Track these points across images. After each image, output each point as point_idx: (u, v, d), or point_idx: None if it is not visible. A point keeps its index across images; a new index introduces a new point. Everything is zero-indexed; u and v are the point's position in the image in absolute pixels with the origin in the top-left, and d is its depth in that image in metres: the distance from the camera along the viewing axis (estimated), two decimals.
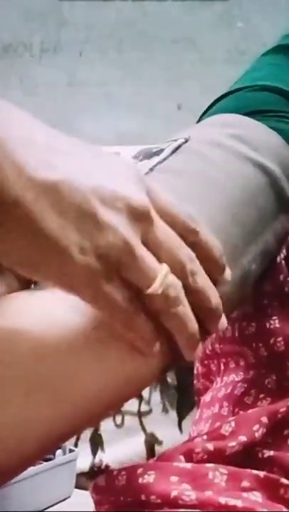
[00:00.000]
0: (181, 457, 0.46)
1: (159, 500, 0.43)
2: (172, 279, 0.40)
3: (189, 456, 0.45)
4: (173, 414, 0.97)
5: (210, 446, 0.46)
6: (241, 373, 0.55)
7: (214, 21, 1.41)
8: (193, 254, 0.41)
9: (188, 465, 0.45)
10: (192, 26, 1.41)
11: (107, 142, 1.33)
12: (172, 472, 0.44)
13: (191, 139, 0.48)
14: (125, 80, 1.42)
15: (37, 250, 0.37)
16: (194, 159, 0.47)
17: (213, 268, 0.42)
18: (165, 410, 0.97)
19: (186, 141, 0.48)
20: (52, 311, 0.41)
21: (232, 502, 0.42)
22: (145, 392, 0.96)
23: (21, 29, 1.41)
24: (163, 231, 0.40)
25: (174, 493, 0.43)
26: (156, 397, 0.96)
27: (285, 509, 0.44)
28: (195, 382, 0.64)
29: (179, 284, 0.40)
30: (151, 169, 0.47)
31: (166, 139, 1.45)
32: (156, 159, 0.48)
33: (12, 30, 1.41)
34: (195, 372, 0.63)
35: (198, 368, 0.62)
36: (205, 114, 0.55)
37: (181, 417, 0.96)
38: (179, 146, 0.48)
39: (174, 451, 0.46)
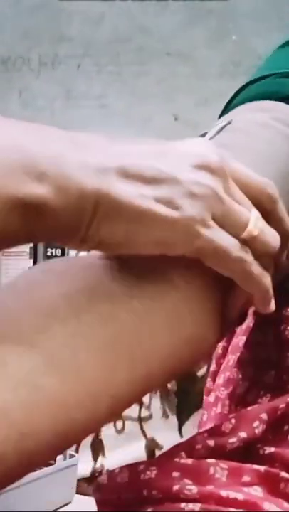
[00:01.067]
0: (182, 453, 0.46)
1: (160, 495, 0.44)
2: (263, 222, 0.40)
3: (190, 453, 0.46)
4: (173, 419, 0.97)
5: (210, 442, 0.46)
6: (242, 371, 0.55)
7: (208, 35, 1.43)
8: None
9: (189, 461, 0.45)
10: (187, 40, 1.43)
11: None
12: (173, 468, 0.44)
13: (234, 121, 0.49)
14: (122, 92, 1.43)
15: (131, 226, 0.37)
16: (241, 136, 0.48)
17: (282, 243, 0.42)
18: (165, 415, 0.98)
19: (230, 123, 0.48)
20: (124, 276, 0.40)
21: (233, 495, 0.43)
22: (145, 398, 0.96)
23: (20, 44, 1.43)
24: (238, 190, 0.40)
25: (175, 488, 0.43)
26: (157, 402, 0.97)
27: (285, 503, 0.45)
28: (208, 381, 0.64)
29: (270, 228, 0.40)
30: None
31: None
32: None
33: (11, 45, 1.43)
34: (210, 370, 0.63)
35: (213, 366, 0.62)
36: (230, 103, 0.55)
37: (181, 422, 0.97)
38: (224, 127, 0.48)
39: (175, 448, 0.47)
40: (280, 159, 0.48)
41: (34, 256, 1.16)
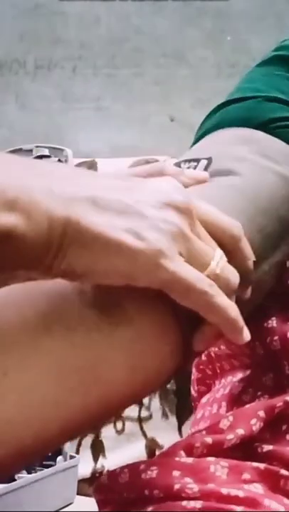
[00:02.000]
0: (182, 452, 0.46)
1: (162, 495, 0.44)
2: (226, 262, 0.41)
3: (189, 451, 0.46)
4: (173, 420, 0.98)
5: (209, 440, 0.47)
6: (238, 373, 0.55)
7: (204, 36, 1.43)
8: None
9: (190, 459, 0.46)
10: (182, 41, 1.43)
11: (102, 155, 1.35)
12: (174, 467, 0.45)
13: (214, 158, 0.49)
14: (118, 94, 1.44)
15: (98, 255, 0.38)
16: (223, 177, 0.48)
17: (241, 280, 0.43)
18: (165, 416, 0.98)
19: (210, 161, 0.49)
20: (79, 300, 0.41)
21: (234, 492, 0.43)
22: (145, 398, 0.97)
23: (15, 47, 1.43)
24: (203, 229, 0.41)
25: (176, 487, 0.44)
26: (156, 402, 0.97)
27: (285, 499, 0.45)
28: (192, 389, 0.64)
29: (231, 267, 0.41)
30: None
31: (160, 150, 1.45)
32: None
33: (6, 48, 1.43)
34: (192, 378, 0.64)
35: (194, 373, 0.63)
36: (208, 120, 0.55)
37: (181, 422, 0.97)
38: (207, 167, 0.48)
39: (175, 447, 0.47)
40: (259, 196, 0.48)
41: None
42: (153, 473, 0.44)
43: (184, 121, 1.39)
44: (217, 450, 0.46)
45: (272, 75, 0.55)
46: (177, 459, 0.46)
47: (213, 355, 0.58)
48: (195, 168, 0.49)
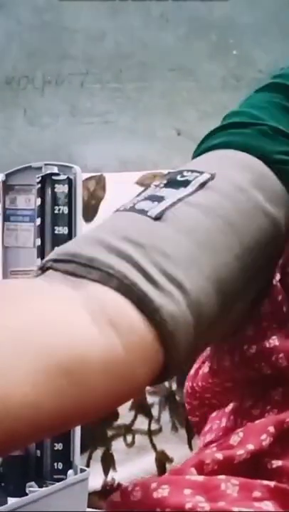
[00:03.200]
0: (193, 470, 0.47)
1: None
2: None
3: (200, 468, 0.47)
4: (182, 432, 0.98)
5: (219, 456, 0.47)
6: (246, 392, 0.56)
7: (209, 50, 1.44)
8: None
9: (201, 477, 0.46)
10: (188, 55, 1.44)
11: (109, 168, 1.37)
12: (185, 485, 0.45)
13: (216, 177, 0.50)
14: (125, 108, 1.45)
15: None
16: (222, 201, 0.49)
17: None
18: (175, 428, 0.98)
19: (212, 177, 0.49)
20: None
21: (245, 510, 0.43)
22: (155, 411, 0.97)
23: (24, 63, 1.45)
24: None
25: (188, 505, 0.44)
26: (166, 415, 0.98)
27: None
28: (189, 417, 0.65)
29: None
30: (180, 199, 0.48)
31: (167, 163, 1.47)
32: (183, 191, 0.49)
33: (14, 64, 1.44)
34: (187, 407, 0.64)
35: (190, 403, 0.63)
36: (210, 137, 0.56)
37: (190, 435, 0.97)
38: (206, 182, 0.49)
39: (185, 465, 0.48)
40: (248, 232, 0.49)
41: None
42: (164, 491, 0.45)
43: (190, 135, 1.40)
44: (228, 466, 0.47)
45: (270, 103, 0.56)
46: (188, 477, 0.46)
47: (210, 384, 0.59)
48: (196, 178, 0.49)
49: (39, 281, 0.44)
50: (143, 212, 0.47)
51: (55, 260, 0.45)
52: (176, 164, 1.39)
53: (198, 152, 0.55)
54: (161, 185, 0.50)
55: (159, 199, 0.48)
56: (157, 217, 0.46)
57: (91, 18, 1.44)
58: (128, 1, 1.43)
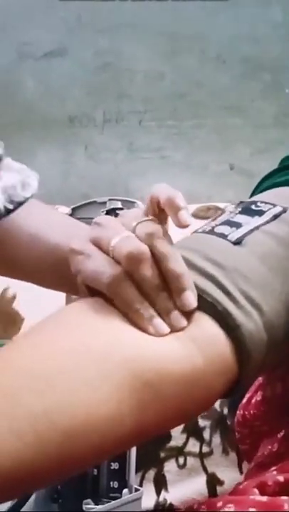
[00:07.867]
0: (256, 490, 0.47)
1: None
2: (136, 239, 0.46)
3: (262, 489, 0.47)
4: (233, 456, 0.99)
5: (280, 478, 0.48)
6: None
7: (262, 89, 1.48)
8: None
9: (264, 498, 0.46)
10: (241, 94, 1.48)
11: None
12: (250, 504, 0.45)
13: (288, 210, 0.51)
14: (180, 144, 1.49)
15: None
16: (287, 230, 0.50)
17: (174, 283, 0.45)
18: (225, 452, 0.99)
19: (284, 210, 0.51)
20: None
21: None
22: (206, 434, 0.99)
23: (86, 102, 1.50)
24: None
25: None
26: (217, 439, 0.99)
27: None
28: (239, 445, 0.66)
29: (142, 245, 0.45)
30: (256, 227, 0.50)
31: (221, 196, 1.50)
32: (258, 219, 0.50)
33: (77, 103, 1.50)
34: (237, 436, 0.65)
35: (240, 431, 0.64)
36: (276, 174, 0.58)
37: (240, 459, 0.98)
38: (279, 214, 0.51)
39: (248, 485, 0.48)
40: None
41: None
42: (230, 510, 0.45)
43: (243, 169, 1.43)
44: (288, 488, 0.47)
45: None
46: (252, 497, 0.46)
47: (260, 412, 0.60)
48: (269, 209, 0.51)
49: None
50: (223, 236, 0.49)
51: None
52: (229, 197, 1.43)
53: (261, 189, 0.57)
54: (236, 211, 0.51)
55: (237, 225, 0.50)
56: (237, 242, 0.48)
57: (149, 59, 1.50)
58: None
